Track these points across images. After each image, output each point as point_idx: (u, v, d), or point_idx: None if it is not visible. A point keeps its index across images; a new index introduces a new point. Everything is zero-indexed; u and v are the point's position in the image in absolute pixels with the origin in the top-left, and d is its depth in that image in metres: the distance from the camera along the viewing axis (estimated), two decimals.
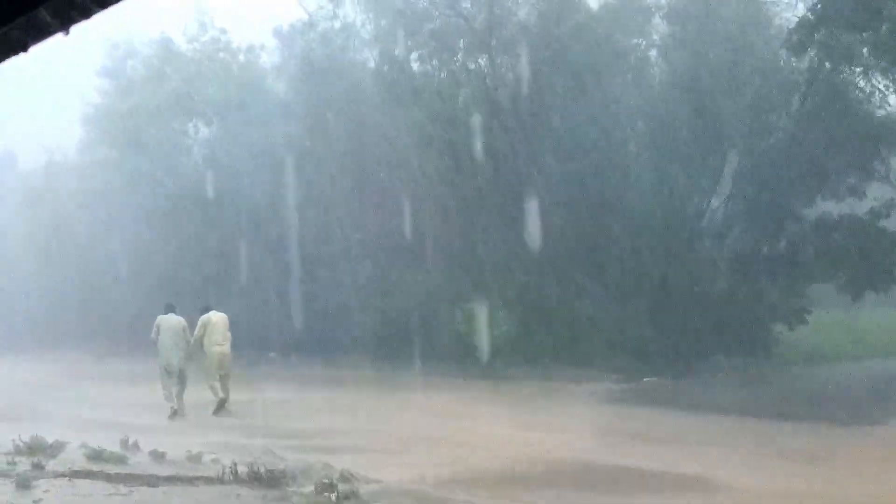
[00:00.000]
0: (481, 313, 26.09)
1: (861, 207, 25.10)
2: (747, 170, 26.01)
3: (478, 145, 27.05)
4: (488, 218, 28.40)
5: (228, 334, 19.66)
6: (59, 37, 2.67)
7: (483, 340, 25.49)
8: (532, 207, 25.91)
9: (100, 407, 20.16)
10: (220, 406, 19.02)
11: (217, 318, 19.72)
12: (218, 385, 19.16)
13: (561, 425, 17.34)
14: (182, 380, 19.25)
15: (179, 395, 19.11)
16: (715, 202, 27.28)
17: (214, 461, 12.74)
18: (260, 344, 30.03)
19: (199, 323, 19.43)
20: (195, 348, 19.44)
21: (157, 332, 19.48)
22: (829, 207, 25.67)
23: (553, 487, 12.12)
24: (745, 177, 26.11)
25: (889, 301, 25.69)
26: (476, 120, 27.31)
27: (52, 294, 40.29)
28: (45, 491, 10.02)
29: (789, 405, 18.44)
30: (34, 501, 9.51)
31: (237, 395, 19.43)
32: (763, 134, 25.93)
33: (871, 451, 14.56)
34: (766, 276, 25.41)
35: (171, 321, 19.60)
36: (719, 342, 24.97)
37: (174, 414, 18.71)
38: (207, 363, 19.36)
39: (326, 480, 11.25)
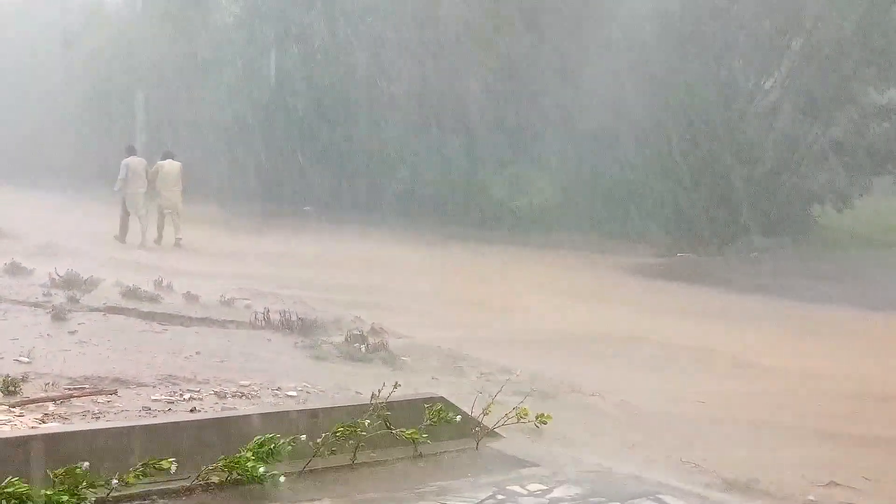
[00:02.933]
0: (523, 179, 25.91)
1: None
2: (808, 52, 25.25)
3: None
4: (537, 84, 27.90)
5: (179, 181, 22.20)
6: None
7: (523, 206, 25.38)
8: (582, 77, 25.44)
9: (131, 248, 20.50)
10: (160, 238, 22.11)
11: (170, 165, 22.44)
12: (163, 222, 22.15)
13: (594, 295, 17.35)
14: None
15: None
16: (769, 83, 26.62)
17: (247, 307, 12.85)
18: (295, 199, 30.14)
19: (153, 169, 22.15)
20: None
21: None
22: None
23: (577, 354, 12.17)
24: (804, 59, 25.37)
25: None
26: None
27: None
28: (80, 323, 10.14)
29: (820, 287, 18.33)
30: (69, 332, 9.64)
31: (270, 247, 19.56)
32: (831, 20, 25.03)
33: (888, 332, 14.52)
34: (816, 160, 24.95)
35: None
36: (757, 222, 24.72)
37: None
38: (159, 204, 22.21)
39: (357, 332, 11.31)
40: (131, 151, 22.59)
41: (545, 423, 7.07)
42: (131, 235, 21.78)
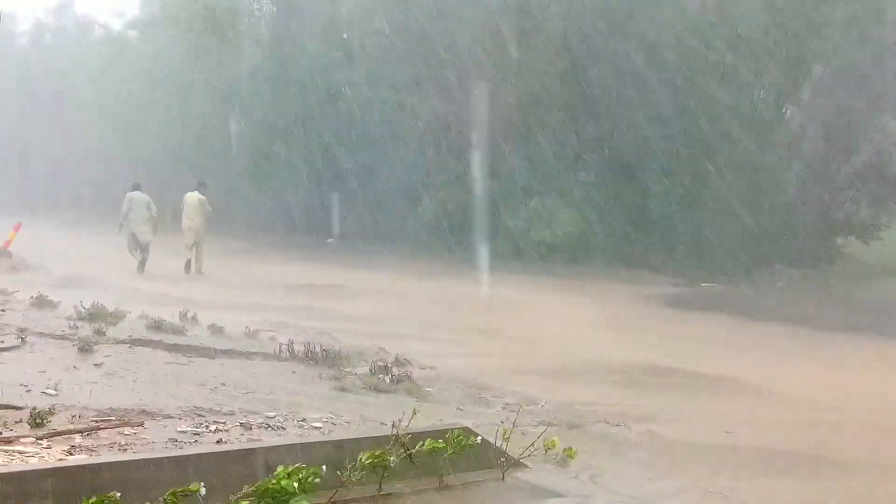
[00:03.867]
0: (546, 210, 25.97)
1: None
2: (831, 77, 25.25)
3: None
4: (559, 114, 28.00)
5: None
6: None
7: (546, 237, 25.43)
8: (607, 107, 25.51)
9: (156, 279, 20.62)
10: (188, 267, 23.12)
11: (190, 197, 23.59)
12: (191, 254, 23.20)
13: (618, 325, 17.33)
14: (144, 250, 22.73)
15: (142, 264, 22.69)
16: (791, 110, 26.63)
17: (271, 339, 12.91)
18: (318, 230, 30.27)
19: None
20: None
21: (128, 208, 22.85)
22: None
23: (602, 384, 12.14)
24: (827, 84, 25.38)
25: None
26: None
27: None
28: (106, 356, 10.21)
29: (846, 317, 18.23)
30: (95, 364, 9.71)
31: (293, 279, 19.66)
32: (856, 44, 25.05)
33: None
34: (840, 189, 24.89)
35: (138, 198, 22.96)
36: (782, 251, 24.64)
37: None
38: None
39: (381, 363, 11.34)
40: (136, 188, 23.45)
41: (572, 458, 7.06)
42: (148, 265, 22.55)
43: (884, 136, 24.91)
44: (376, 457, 5.96)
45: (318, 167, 32.63)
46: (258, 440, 6.76)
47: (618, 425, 9.62)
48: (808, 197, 24.97)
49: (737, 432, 9.67)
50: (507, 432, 6.98)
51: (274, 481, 5.46)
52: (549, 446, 6.98)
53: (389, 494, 6.09)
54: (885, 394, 12.21)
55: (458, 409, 9.53)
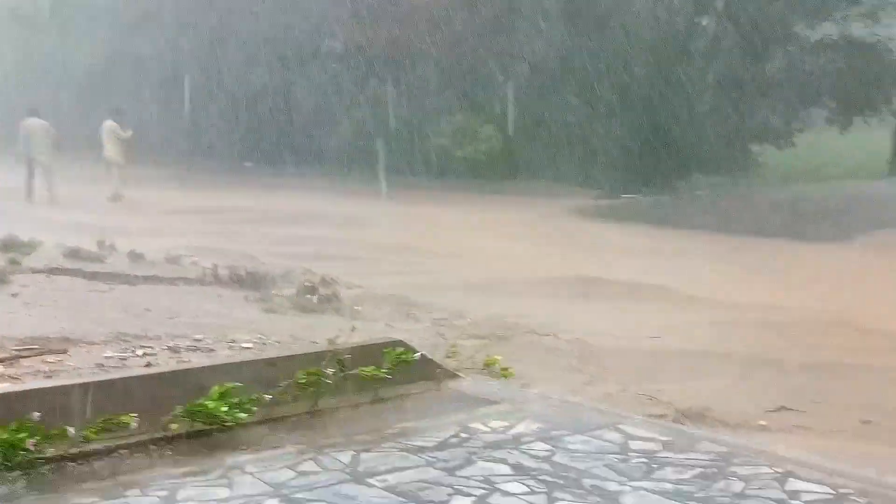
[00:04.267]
0: (468, 127, 25.88)
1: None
2: None
3: None
4: (478, 31, 27.68)
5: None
6: None
7: (468, 154, 25.39)
8: (521, 24, 25.32)
9: (69, 209, 20.23)
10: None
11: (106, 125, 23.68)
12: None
13: (543, 238, 17.43)
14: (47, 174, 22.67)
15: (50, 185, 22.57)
16: (706, 20, 26.73)
17: (194, 264, 12.68)
18: (234, 155, 29.81)
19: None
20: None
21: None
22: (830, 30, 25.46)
23: (529, 296, 12.22)
24: None
25: (875, 126, 25.88)
26: None
27: None
28: (23, 286, 9.93)
29: (763, 223, 18.58)
30: (12, 294, 9.43)
31: (214, 202, 19.37)
32: None
33: (835, 265, 14.78)
34: (754, 97, 25.21)
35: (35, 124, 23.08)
36: (700, 160, 24.96)
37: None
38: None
39: (308, 283, 11.23)
40: (33, 113, 23.49)
41: (509, 376, 7.10)
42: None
43: (796, 44, 25.22)
44: (312, 373, 5.92)
45: (233, 90, 31.93)
46: (188, 362, 6.64)
47: (547, 335, 9.72)
48: (725, 106, 25.21)
49: (664, 337, 9.83)
50: (449, 349, 7.00)
51: (206, 400, 5.39)
52: (491, 363, 7.02)
53: (325, 410, 6.07)
54: (803, 294, 12.51)
55: (387, 325, 9.50)
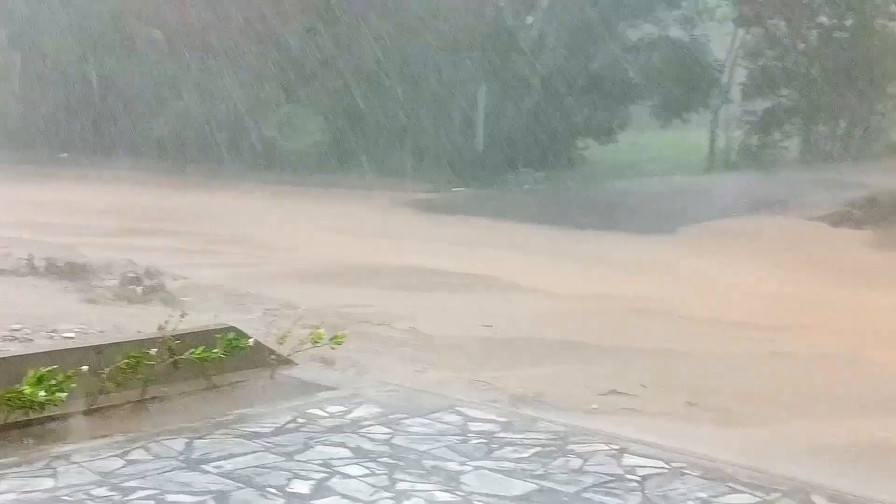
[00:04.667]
0: (294, 120, 25.56)
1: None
2: None
3: None
4: (306, 25, 27.31)
5: None
6: None
7: (295, 146, 25.10)
8: (346, 18, 25.19)
9: None
10: None
11: None
12: None
13: (374, 230, 17.36)
14: None
15: None
16: (530, 18, 27.19)
17: (7, 255, 12.06)
18: (50, 145, 28.60)
19: None
20: None
21: None
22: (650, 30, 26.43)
23: (361, 286, 12.14)
24: None
25: (695, 124, 27.09)
26: None
27: None
28: None
29: (588, 216, 19.03)
30: None
31: (33, 194, 18.53)
32: None
33: (659, 255, 15.31)
34: (578, 94, 25.85)
35: None
36: (527, 155, 25.40)
37: None
38: None
39: (132, 274, 10.86)
40: None
41: (339, 344, 6.97)
42: None
43: (619, 43, 26.02)
44: (135, 357, 5.65)
45: (52, 78, 30.52)
46: (5, 351, 6.27)
47: (380, 324, 9.67)
48: (551, 102, 25.72)
49: (496, 325, 9.91)
50: (282, 335, 6.84)
51: (23, 386, 5.08)
52: (317, 338, 6.87)
53: (156, 398, 5.83)
54: (628, 283, 12.86)
55: (216, 316, 9.23)
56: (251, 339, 6.54)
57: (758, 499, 4.67)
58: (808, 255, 15.39)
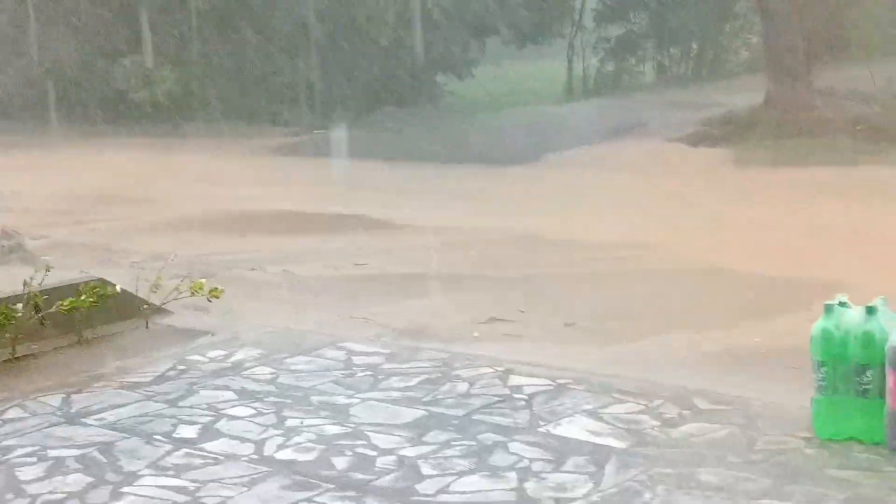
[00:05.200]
0: (143, 70, 24.76)
1: None
2: None
3: None
4: None
5: None
6: None
7: (146, 97, 24.35)
8: None
9: None
10: None
11: None
12: None
13: (240, 177, 17.02)
14: None
15: None
16: None
17: None
18: None
19: None
20: None
21: None
22: None
23: (231, 234, 11.95)
24: None
25: (552, 54, 27.33)
26: None
27: None
28: None
29: (454, 150, 19.08)
30: None
31: None
32: None
33: (526, 185, 15.48)
34: (433, 28, 25.72)
35: None
36: (388, 94, 25.27)
37: None
38: None
39: None
40: None
41: (217, 297, 6.84)
42: None
43: None
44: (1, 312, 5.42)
45: None
46: None
47: (253, 269, 9.55)
48: (407, 38, 25.54)
49: (372, 263, 9.89)
50: (154, 282, 6.66)
51: None
52: (197, 288, 6.71)
53: (26, 356, 5.62)
54: (498, 214, 12.97)
55: (82, 272, 8.94)
56: (118, 286, 6.34)
57: (642, 406, 4.78)
58: (668, 174, 15.80)
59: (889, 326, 4.19)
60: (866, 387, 4.23)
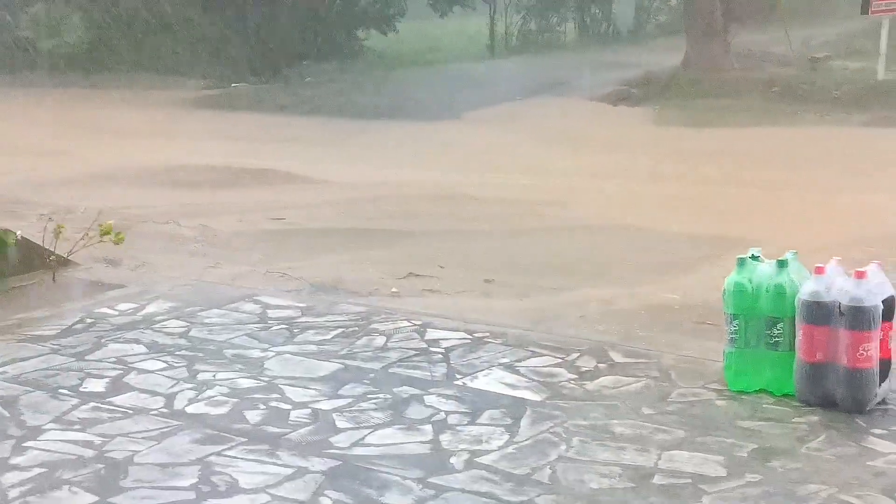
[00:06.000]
0: (49, 18, 24.04)
1: None
2: None
3: None
4: None
5: None
6: None
7: (54, 47, 23.66)
8: None
9: None
10: None
11: None
12: None
13: (152, 130, 16.68)
14: None
15: None
16: None
17: None
18: None
19: None
20: None
21: None
22: None
23: (143, 187, 11.69)
24: None
25: (475, 12, 27.25)
26: None
27: None
28: None
29: (374, 106, 18.96)
30: None
31: None
32: None
33: (446, 140, 15.43)
34: None
35: None
36: (308, 47, 24.95)
37: None
38: None
39: None
40: None
41: (121, 241, 6.65)
42: None
43: None
44: None
45: None
46: None
47: (167, 223, 9.34)
48: None
49: (290, 218, 9.77)
50: (58, 230, 6.45)
51: None
52: (106, 231, 6.52)
53: None
54: (417, 169, 12.91)
55: None
56: (18, 233, 6.13)
57: (559, 359, 4.78)
58: (588, 133, 15.88)
59: (800, 280, 4.24)
60: (777, 339, 4.28)
